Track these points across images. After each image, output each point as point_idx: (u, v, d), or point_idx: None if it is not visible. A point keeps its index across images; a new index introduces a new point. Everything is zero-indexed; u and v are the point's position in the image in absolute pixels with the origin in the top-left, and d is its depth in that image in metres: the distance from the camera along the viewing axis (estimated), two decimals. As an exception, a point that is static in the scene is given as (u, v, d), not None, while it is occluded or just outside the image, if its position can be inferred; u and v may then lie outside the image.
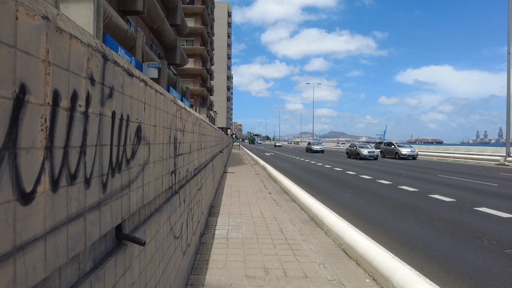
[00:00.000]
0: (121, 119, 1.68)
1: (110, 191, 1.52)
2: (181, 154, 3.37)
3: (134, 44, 18.70)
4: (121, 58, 1.72)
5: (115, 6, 17.07)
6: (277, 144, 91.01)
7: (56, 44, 1.06)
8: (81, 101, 1.23)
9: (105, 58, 1.45)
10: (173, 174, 2.99)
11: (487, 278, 4.34)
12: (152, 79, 20.14)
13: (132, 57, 17.55)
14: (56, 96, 1.07)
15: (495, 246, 5.55)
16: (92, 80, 1.32)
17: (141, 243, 1.71)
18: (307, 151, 46.80)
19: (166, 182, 2.73)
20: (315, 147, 46.21)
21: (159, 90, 2.48)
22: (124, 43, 17.33)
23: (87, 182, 1.28)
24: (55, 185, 1.07)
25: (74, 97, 1.18)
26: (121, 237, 1.67)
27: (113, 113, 1.58)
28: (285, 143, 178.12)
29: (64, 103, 1.12)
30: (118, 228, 1.71)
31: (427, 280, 3.97)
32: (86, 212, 1.27)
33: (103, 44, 1.46)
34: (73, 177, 1.18)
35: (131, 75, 1.84)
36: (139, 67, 18.63)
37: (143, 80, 2.07)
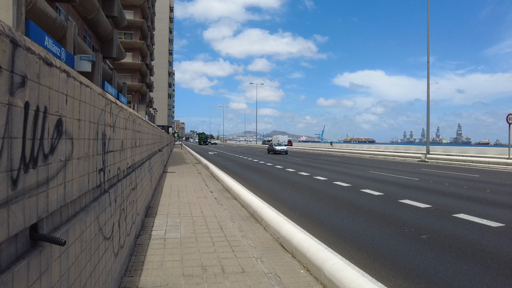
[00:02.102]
0: (37, 110, 1.56)
1: (22, 188, 1.41)
2: (111, 151, 3.21)
3: (65, 35, 17.26)
4: (36, 45, 1.59)
5: (42, -8, 15.57)
6: (278, 148, 38.74)
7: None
8: (-17, 89, 1.12)
9: (15, 44, 1.34)
10: (102, 172, 2.84)
11: (405, 260, 4.82)
12: (85, 72, 18.80)
13: (62, 49, 16.19)
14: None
15: (414, 233, 6.17)
16: (-3, 67, 1.21)
17: (61, 243, 1.61)
18: None
19: (94, 180, 2.59)
20: None
21: (85, 82, 2.34)
22: (52, 32, 15.91)
23: (-9, 177, 1.17)
24: None
25: (-27, 84, 1.07)
26: (36, 238, 1.55)
27: (27, 104, 1.46)
28: (233, 142, 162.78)
29: (-40, 89, 1.01)
30: (34, 228, 1.58)
31: (355, 267, 4.29)
32: (-10, 210, 1.16)
33: (12, 28, 1.34)
34: (-28, 172, 1.07)
35: (49, 64, 1.71)
36: (70, 59, 17.25)
37: (65, 71, 1.94)
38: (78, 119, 2.18)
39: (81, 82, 2.24)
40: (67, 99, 1.97)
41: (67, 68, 2.00)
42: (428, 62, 27.13)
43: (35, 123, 1.54)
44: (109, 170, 3.13)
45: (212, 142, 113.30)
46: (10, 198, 1.29)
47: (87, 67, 18.41)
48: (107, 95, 3.03)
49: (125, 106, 3.98)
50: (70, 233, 2.00)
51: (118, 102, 3.53)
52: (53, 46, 14.89)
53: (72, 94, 2.06)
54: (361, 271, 4.19)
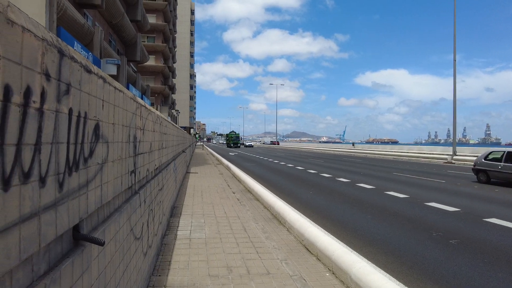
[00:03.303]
0: (79, 116, 1.64)
1: (67, 190, 1.48)
2: (141, 153, 3.31)
3: (92, 39, 17.87)
4: (78, 53, 1.67)
5: (70, -1, 16.18)
6: None
7: (7, 36, 1.02)
8: (36, 97, 1.19)
9: (62, 54, 1.41)
10: (133, 174, 2.93)
11: (434, 265, 4.68)
12: (111, 76, 19.37)
13: (90, 53, 16.76)
14: (7, 91, 1.02)
15: (442, 238, 5.98)
16: (47, 76, 1.28)
17: (100, 243, 1.68)
18: None
19: (126, 181, 2.67)
20: None
21: (118, 87, 2.42)
22: (80, 37, 16.50)
23: (42, 180, 1.24)
24: (6, 184, 1.02)
25: (27, 93, 1.13)
26: (78, 238, 1.62)
27: (70, 110, 1.53)
28: (253, 142, 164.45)
29: (17, 98, 1.07)
30: (76, 229, 1.65)
31: (382, 271, 4.20)
32: (41, 212, 1.22)
33: (59, 39, 1.42)
34: (26, 176, 1.13)
35: (89, 71, 1.79)
36: (97, 63, 17.83)
37: (101, 77, 2.02)
38: (113, 123, 2.26)
39: (115, 88, 2.32)
40: (103, 104, 2.05)
41: (103, 74, 2.08)
42: (454, 60, 26.25)
43: (77, 128, 1.61)
44: (139, 172, 3.22)
45: (247, 144, 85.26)
46: (57, 200, 1.36)
47: (112, 70, 18.96)
48: (138, 99, 3.12)
49: (153, 109, 4.09)
50: (106, 233, 2.08)
51: (147, 105, 3.62)
52: (81, 51, 15.44)
53: (107, 99, 2.14)
54: (388, 275, 4.11)
